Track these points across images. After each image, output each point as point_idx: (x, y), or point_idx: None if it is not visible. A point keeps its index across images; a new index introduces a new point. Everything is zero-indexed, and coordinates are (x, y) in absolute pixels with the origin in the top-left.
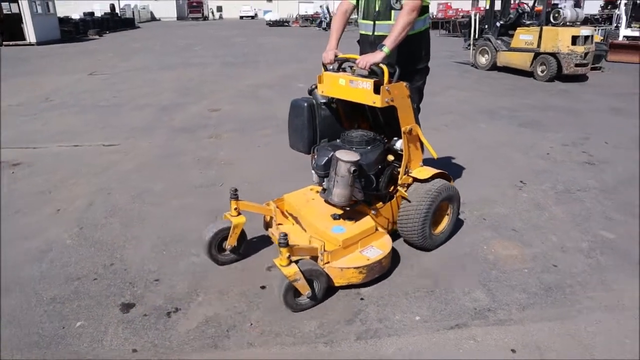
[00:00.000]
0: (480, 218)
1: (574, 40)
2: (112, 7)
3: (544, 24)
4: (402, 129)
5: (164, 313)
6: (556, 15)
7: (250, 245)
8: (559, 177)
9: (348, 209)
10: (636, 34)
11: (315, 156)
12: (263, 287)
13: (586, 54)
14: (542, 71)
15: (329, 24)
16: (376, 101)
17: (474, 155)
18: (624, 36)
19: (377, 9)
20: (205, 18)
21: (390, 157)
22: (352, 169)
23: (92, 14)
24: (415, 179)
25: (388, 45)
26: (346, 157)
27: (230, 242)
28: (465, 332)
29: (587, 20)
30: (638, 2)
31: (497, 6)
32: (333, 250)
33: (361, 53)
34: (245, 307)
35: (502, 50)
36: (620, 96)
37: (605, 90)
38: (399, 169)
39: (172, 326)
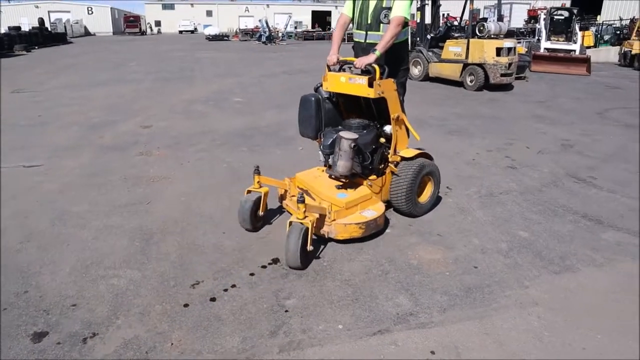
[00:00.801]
0: (406, 225)
1: (498, 51)
2: (42, 21)
3: (470, 37)
4: (392, 116)
5: (79, 339)
6: (481, 28)
7: (171, 263)
8: (483, 181)
9: (347, 180)
10: (555, 46)
11: (322, 139)
12: (186, 305)
13: (510, 64)
14: (471, 81)
15: (268, 38)
16: (370, 93)
17: None
18: (545, 48)
19: (368, 21)
20: (143, 33)
21: (382, 140)
22: (352, 144)
23: (18, 28)
24: (402, 158)
25: (379, 49)
26: (347, 135)
27: (262, 209)
28: (387, 337)
29: (513, 33)
30: (555, 18)
31: (428, 19)
32: (338, 210)
33: (356, 56)
34: (167, 327)
35: (434, 62)
36: (541, 103)
37: (528, 99)
38: (389, 150)
39: (87, 353)
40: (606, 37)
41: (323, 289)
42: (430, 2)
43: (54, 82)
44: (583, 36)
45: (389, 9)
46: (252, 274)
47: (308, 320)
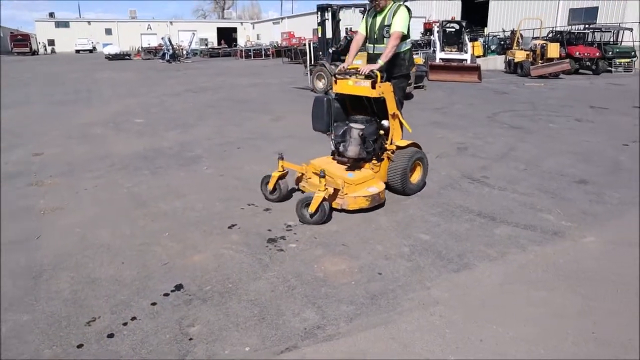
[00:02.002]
0: (311, 237)
1: None
2: None
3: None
4: (389, 113)
5: None
6: None
7: (63, 301)
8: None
9: (353, 163)
10: (449, 56)
11: (334, 131)
12: (80, 346)
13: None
14: None
15: (172, 56)
16: (373, 93)
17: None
18: (440, 58)
19: (375, 36)
20: (35, 53)
21: (381, 132)
22: (360, 132)
23: None
24: (397, 146)
25: (382, 59)
26: (356, 125)
27: (271, 184)
28: (295, 353)
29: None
30: (447, 30)
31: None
32: (349, 186)
33: (369, 63)
34: None
35: None
36: (438, 110)
37: (427, 106)
38: (386, 140)
39: None
40: (493, 47)
41: (229, 312)
42: (330, 17)
43: None
44: (473, 46)
45: (389, 25)
46: (153, 304)
47: (213, 346)
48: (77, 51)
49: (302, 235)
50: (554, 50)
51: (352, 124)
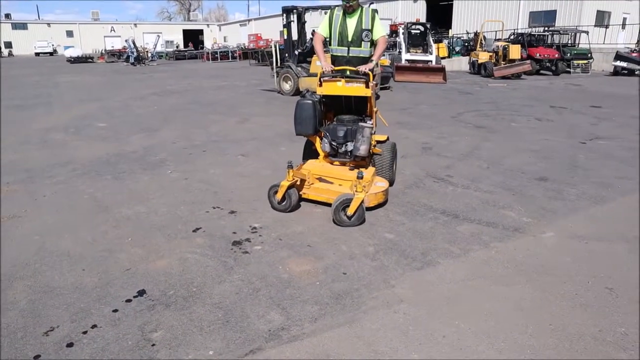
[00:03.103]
0: (277, 239)
1: None
2: None
3: None
4: (374, 110)
5: None
6: None
7: (19, 312)
8: None
9: (351, 164)
10: (414, 57)
11: (328, 133)
12: (37, 357)
13: (374, 75)
14: None
15: (137, 59)
16: (367, 93)
17: (272, 178)
18: (406, 60)
19: (349, 39)
20: None
21: None
22: (373, 130)
23: None
24: (378, 141)
25: (375, 59)
26: (368, 124)
27: (280, 195)
28: (259, 355)
29: None
30: (412, 32)
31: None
32: (366, 185)
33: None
34: None
35: (303, 76)
36: (404, 110)
37: (392, 107)
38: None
39: None
40: (457, 49)
41: (192, 316)
42: (295, 20)
43: None
44: (438, 48)
45: (369, 30)
46: (115, 311)
47: (177, 351)
48: (37, 54)
49: (268, 237)
50: (515, 51)
51: (362, 124)
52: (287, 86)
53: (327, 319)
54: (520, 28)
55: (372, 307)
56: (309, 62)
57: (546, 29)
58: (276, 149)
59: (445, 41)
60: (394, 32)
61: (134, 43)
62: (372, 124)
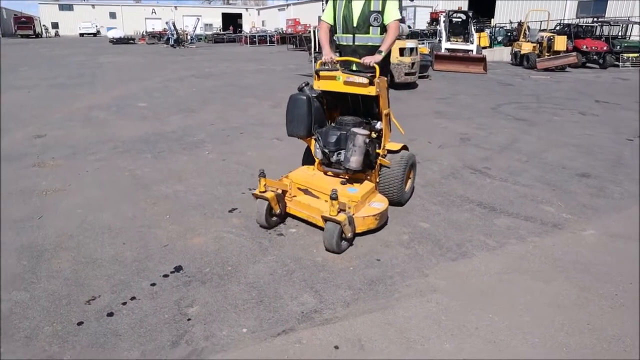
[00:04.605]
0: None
1: (402, 52)
2: None
3: None
4: (384, 112)
5: None
6: None
7: (64, 280)
8: None
9: (347, 176)
10: (455, 46)
11: (321, 137)
12: (80, 324)
13: (413, 64)
14: None
15: (176, 41)
16: (371, 91)
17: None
18: (446, 48)
19: (354, 24)
20: (38, 35)
21: (373, 135)
22: (367, 140)
23: None
24: (389, 151)
25: (384, 50)
26: (362, 131)
27: (276, 208)
28: (291, 336)
29: (417, 35)
30: (453, 20)
31: None
32: (355, 205)
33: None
34: (57, 349)
35: None
36: (442, 100)
37: (431, 96)
38: (378, 144)
39: None
40: (499, 39)
41: (227, 294)
42: None
43: None
44: (479, 37)
45: (379, 12)
46: (153, 284)
47: (211, 326)
48: (81, 34)
49: (301, 222)
50: (561, 43)
51: (355, 129)
52: None
53: (359, 304)
54: (567, 18)
55: (405, 295)
56: None
57: (595, 19)
58: None
59: (487, 30)
60: (434, 20)
61: (174, 25)
62: (373, 129)
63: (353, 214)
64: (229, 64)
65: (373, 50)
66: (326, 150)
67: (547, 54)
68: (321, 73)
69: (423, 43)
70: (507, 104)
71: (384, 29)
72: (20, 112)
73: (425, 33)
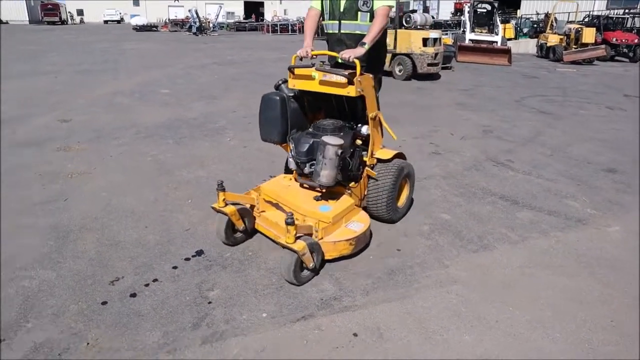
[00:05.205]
0: None
1: (425, 42)
2: None
3: (397, 28)
4: (370, 115)
5: None
6: (407, 19)
7: (89, 261)
8: None
9: (324, 190)
10: (479, 37)
11: (293, 145)
12: (104, 303)
13: (436, 54)
14: (400, 71)
15: (199, 29)
16: (350, 91)
17: None
18: (469, 39)
19: (341, 9)
20: (64, 22)
21: (358, 142)
22: (339, 151)
23: None
24: (379, 160)
25: (368, 42)
26: (333, 141)
27: (238, 224)
28: (311, 322)
29: (441, 25)
30: (478, 10)
31: None
32: (325, 227)
33: (330, 50)
34: (83, 327)
35: None
36: (465, 92)
37: (454, 87)
38: (365, 152)
39: None
40: (525, 30)
41: (247, 279)
42: None
43: None
44: (504, 29)
45: None
46: (175, 267)
47: (232, 310)
48: (105, 21)
49: None
50: (589, 35)
51: (326, 138)
52: None
53: (379, 292)
54: (597, 10)
55: (424, 285)
56: None
57: (627, 11)
58: None
59: (513, 22)
60: (458, 10)
61: (196, 13)
62: (358, 135)
63: (321, 238)
64: (250, 52)
65: (362, 39)
66: (298, 160)
67: (574, 46)
68: (296, 70)
69: (446, 34)
70: (532, 97)
71: (373, 15)
72: (48, 97)
73: (449, 24)
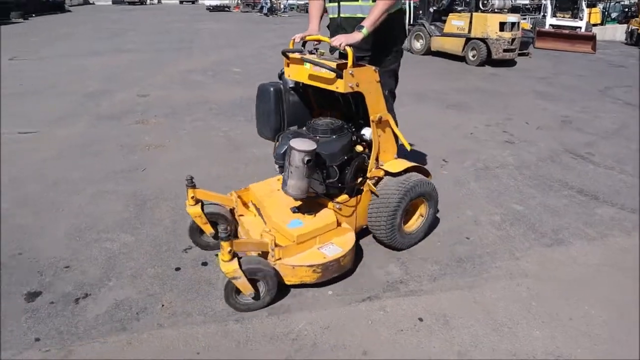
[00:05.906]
0: None
1: (502, 26)
2: None
3: (474, 11)
4: (371, 117)
5: (72, 300)
6: (485, 2)
7: (164, 228)
8: (480, 155)
9: (302, 202)
10: (560, 23)
11: (277, 144)
12: (178, 269)
13: (513, 39)
14: (473, 56)
15: (270, 10)
16: (339, 86)
17: None
18: (550, 25)
19: None
20: (143, 3)
21: (359, 148)
22: (306, 159)
23: None
24: (387, 172)
25: (367, 26)
26: (300, 146)
27: (207, 229)
28: (376, 303)
29: (518, 9)
30: None
31: None
32: (286, 246)
33: (331, 37)
34: (158, 289)
35: (436, 36)
36: (543, 80)
37: (530, 75)
38: (368, 161)
39: (79, 312)
40: (614, 15)
41: None
42: None
43: (50, 50)
44: (590, 13)
45: None
46: None
47: (298, 287)
48: (181, 2)
49: None
50: None
51: (294, 142)
52: (417, 45)
53: (446, 279)
54: None
55: (494, 276)
56: (444, 21)
57: None
58: (402, 107)
59: (600, 5)
60: None
61: None
62: (360, 139)
63: (279, 259)
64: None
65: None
66: (276, 164)
67: None
68: (291, 56)
69: (525, 18)
70: (617, 87)
71: None
72: (127, 73)
73: (528, 7)
